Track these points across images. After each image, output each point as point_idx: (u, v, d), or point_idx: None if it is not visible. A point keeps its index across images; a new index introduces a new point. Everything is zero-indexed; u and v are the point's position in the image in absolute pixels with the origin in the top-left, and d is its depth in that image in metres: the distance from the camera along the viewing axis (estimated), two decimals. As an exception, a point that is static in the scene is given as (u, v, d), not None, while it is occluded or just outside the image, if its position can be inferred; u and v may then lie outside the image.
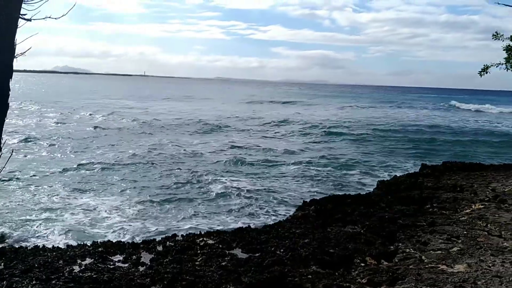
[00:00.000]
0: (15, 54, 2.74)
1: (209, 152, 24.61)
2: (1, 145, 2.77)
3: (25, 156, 21.48)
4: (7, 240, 10.07)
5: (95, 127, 33.97)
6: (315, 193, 15.61)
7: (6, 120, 2.85)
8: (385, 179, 14.52)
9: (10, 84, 2.68)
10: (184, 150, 24.75)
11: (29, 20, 2.75)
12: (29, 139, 26.53)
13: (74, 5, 2.85)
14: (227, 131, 35.79)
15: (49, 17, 2.78)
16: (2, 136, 2.79)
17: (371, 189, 13.26)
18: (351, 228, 7.96)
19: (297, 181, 18.10)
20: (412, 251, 6.59)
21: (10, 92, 2.74)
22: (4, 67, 2.65)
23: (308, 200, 10.88)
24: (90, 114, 44.27)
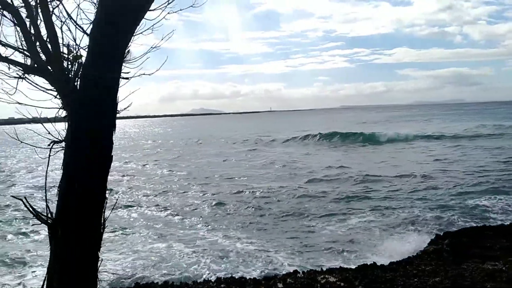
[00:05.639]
0: (118, 110, 3.06)
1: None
2: (106, 194, 3.09)
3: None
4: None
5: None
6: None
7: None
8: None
9: (113, 138, 3.00)
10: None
11: (127, 78, 3.05)
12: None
13: (166, 60, 3.11)
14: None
15: (144, 74, 3.06)
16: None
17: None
18: (491, 265, 7.09)
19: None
20: None
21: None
22: (108, 124, 2.95)
23: (441, 233, 10.00)
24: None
